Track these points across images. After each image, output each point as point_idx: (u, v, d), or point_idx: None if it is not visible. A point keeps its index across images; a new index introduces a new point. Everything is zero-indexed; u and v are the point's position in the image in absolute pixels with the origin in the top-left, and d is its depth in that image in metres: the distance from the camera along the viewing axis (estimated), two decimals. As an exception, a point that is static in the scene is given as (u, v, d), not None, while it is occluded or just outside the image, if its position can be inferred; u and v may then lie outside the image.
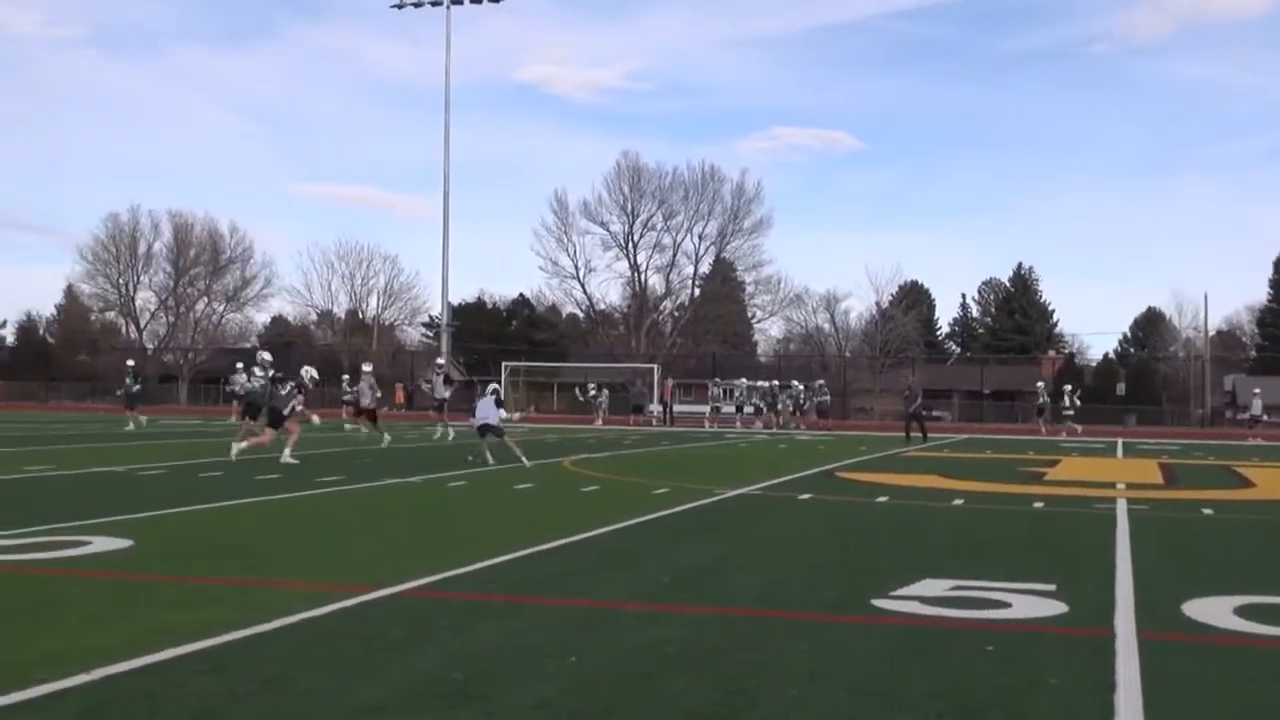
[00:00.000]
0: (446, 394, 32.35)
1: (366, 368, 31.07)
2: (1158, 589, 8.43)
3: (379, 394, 29.02)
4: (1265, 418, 45.82)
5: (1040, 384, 48.75)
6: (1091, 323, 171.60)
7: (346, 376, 54.41)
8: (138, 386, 37.17)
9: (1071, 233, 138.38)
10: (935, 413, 71.25)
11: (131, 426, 33.49)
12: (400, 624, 6.73)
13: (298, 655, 5.93)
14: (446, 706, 5.10)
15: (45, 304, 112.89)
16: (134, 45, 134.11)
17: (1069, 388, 48.06)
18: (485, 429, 20.68)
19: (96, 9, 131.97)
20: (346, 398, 51.11)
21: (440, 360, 24.97)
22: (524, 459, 20.33)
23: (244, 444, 20.20)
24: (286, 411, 20.41)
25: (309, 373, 21.95)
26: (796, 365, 75.72)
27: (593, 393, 52.01)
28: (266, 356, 21.94)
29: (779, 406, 47.14)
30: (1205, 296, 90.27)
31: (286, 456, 19.52)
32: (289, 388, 20.82)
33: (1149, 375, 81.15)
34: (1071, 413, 46.06)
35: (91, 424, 35.65)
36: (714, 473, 19.91)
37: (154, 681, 5.39)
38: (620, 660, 5.97)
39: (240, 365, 38.35)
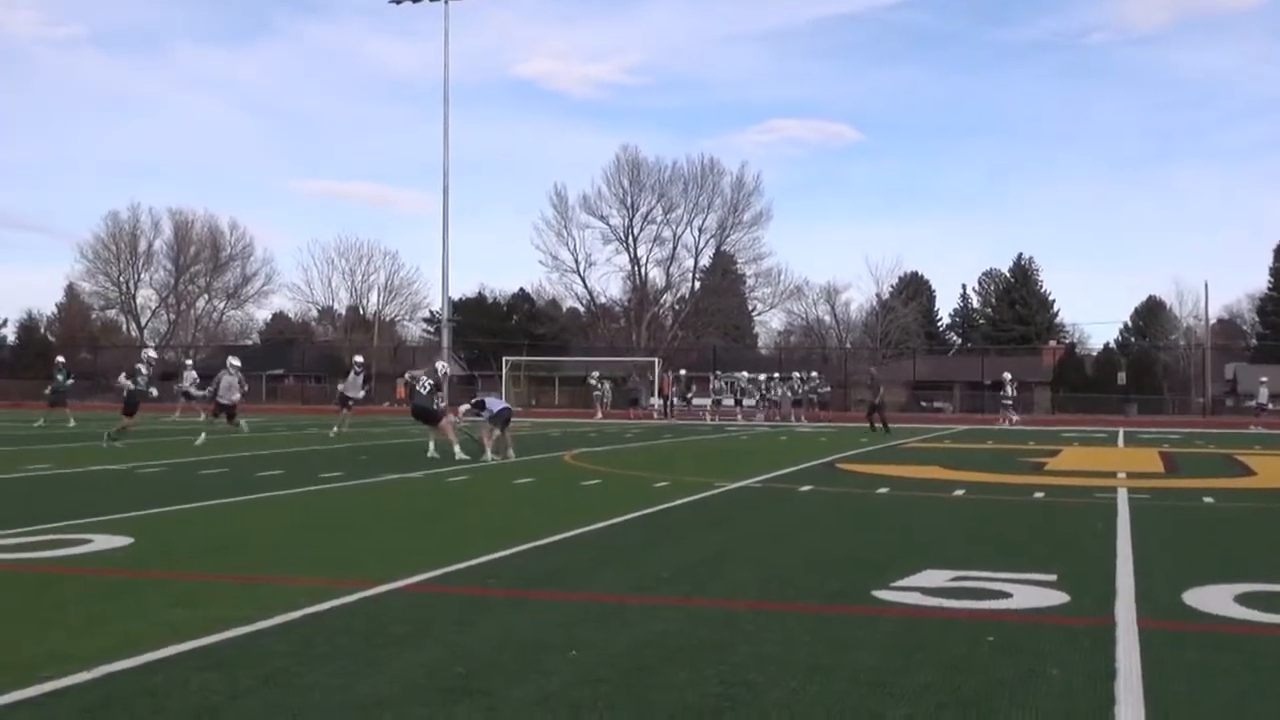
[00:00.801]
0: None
1: (358, 358, 31.44)
2: (1158, 578, 8.44)
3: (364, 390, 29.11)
4: (1270, 406, 45.84)
5: (1007, 376, 48.77)
6: (1092, 312, 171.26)
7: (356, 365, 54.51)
8: (71, 382, 36.78)
9: (1071, 222, 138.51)
10: (936, 404, 71.40)
11: (73, 423, 33.11)
12: (402, 619, 6.74)
13: (299, 651, 5.94)
14: (448, 701, 5.11)
15: (46, 303, 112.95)
16: (133, 43, 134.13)
17: (1008, 376, 48.15)
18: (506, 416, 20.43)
19: (95, 8, 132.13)
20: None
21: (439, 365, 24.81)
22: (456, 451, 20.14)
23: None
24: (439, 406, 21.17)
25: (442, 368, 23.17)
26: (797, 357, 75.63)
27: (594, 386, 52.03)
28: (153, 354, 23.20)
29: (775, 396, 47.16)
30: (1205, 285, 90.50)
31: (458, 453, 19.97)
32: (428, 386, 21.30)
33: (1150, 364, 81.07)
34: (1009, 402, 46.38)
35: (93, 422, 35.55)
36: (715, 466, 19.92)
37: (156, 679, 5.39)
38: (621, 654, 5.98)
39: (189, 362, 38.36)
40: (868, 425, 35.44)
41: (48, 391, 35.87)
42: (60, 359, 37.90)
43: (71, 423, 33.55)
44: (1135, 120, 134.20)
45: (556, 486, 15.72)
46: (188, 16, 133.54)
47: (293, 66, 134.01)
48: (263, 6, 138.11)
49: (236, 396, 26.81)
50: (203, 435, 24.09)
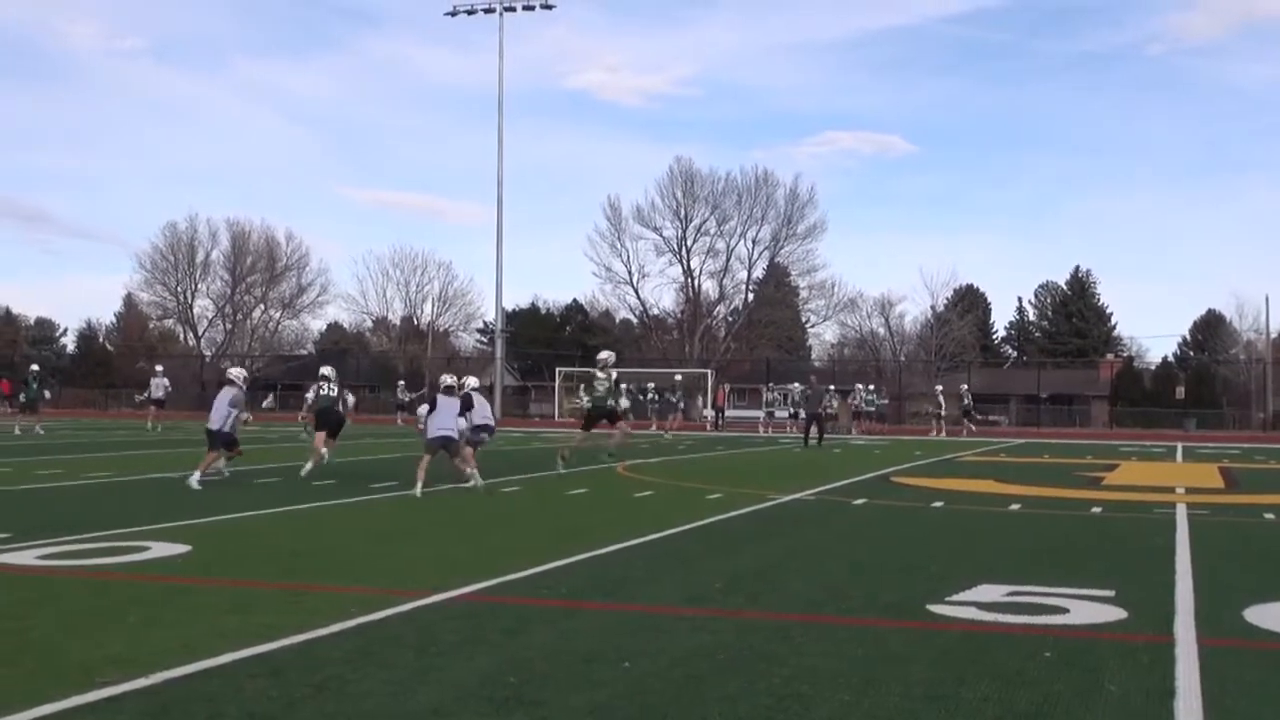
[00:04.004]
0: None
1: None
2: (1219, 594, 8.34)
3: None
4: None
5: (964, 386, 48.68)
6: (1150, 326, 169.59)
7: (401, 383, 54.85)
8: (48, 393, 36.87)
9: (1129, 235, 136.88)
10: (992, 417, 70.79)
11: (39, 430, 33.09)
12: (454, 628, 6.76)
13: (353, 659, 5.97)
14: (500, 711, 5.11)
15: (105, 312, 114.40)
16: (192, 56, 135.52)
17: (964, 387, 48.72)
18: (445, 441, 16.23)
19: (155, 21, 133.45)
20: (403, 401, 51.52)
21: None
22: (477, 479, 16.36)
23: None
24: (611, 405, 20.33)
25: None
26: (851, 370, 75.39)
27: (651, 397, 51.99)
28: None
29: (824, 410, 47.07)
30: (1266, 299, 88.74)
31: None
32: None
33: (1209, 378, 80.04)
34: (944, 414, 46.93)
35: (148, 431, 35.93)
36: (768, 478, 19.85)
37: (212, 685, 5.43)
38: (673, 665, 5.96)
39: (159, 369, 38.80)
40: (802, 439, 34.93)
41: (21, 398, 35.67)
42: (35, 367, 37.53)
43: (39, 430, 33.43)
44: (1193, 131, 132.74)
45: (609, 498, 15.72)
46: (245, 29, 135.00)
47: (348, 78, 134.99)
48: (319, 19, 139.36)
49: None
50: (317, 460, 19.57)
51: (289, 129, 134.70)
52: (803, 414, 37.72)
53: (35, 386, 35.01)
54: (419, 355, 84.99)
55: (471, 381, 17.80)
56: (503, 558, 9.59)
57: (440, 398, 16.58)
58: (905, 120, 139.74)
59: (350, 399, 21.54)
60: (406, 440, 31.84)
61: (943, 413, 47.01)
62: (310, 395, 20.69)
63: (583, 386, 20.65)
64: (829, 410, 41.73)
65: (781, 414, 48.92)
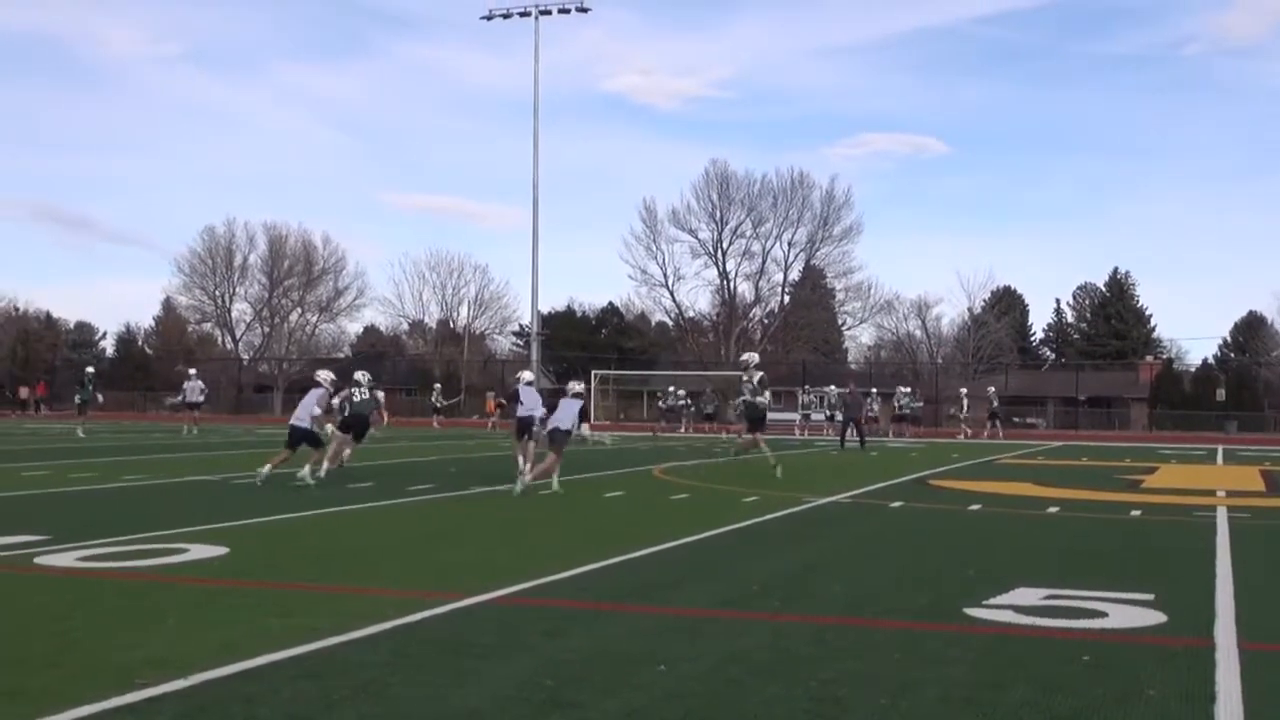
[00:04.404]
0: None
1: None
2: (1260, 599, 8.27)
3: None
4: None
5: (991, 389, 48.48)
6: (1190, 327, 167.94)
7: (438, 385, 55.04)
8: (100, 396, 37.14)
9: (1168, 236, 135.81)
10: (1029, 420, 70.45)
11: (81, 433, 33.12)
12: (492, 631, 6.77)
13: (391, 661, 5.99)
14: (538, 713, 5.12)
15: (144, 316, 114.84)
16: (230, 61, 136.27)
17: (992, 390, 48.75)
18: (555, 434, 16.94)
19: (195, 27, 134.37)
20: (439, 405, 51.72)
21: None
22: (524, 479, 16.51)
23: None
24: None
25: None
26: (888, 372, 75.15)
27: (684, 401, 52.00)
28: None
29: (866, 413, 46.94)
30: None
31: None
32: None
33: (1250, 380, 79.40)
34: (965, 416, 47.52)
35: (186, 434, 36.18)
36: (804, 481, 19.80)
37: (250, 687, 5.46)
38: (710, 669, 5.96)
39: (192, 371, 38.75)
40: (839, 441, 35.31)
41: (76, 400, 36.20)
42: (90, 369, 38.24)
43: (80, 432, 33.64)
44: (1232, 132, 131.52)
45: (646, 500, 15.72)
46: (283, 34, 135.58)
47: (385, 82, 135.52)
48: (356, 24, 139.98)
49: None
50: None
51: (325, 133, 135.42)
52: (839, 417, 37.75)
53: (90, 389, 35.42)
54: (455, 358, 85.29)
55: (526, 376, 18.27)
56: (539, 560, 9.60)
57: (562, 401, 17.46)
58: (941, 121, 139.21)
59: (380, 395, 22.04)
60: (442, 443, 31.97)
61: (964, 415, 47.00)
62: (338, 400, 20.63)
63: (749, 388, 20.72)
64: (871, 413, 41.72)
65: (818, 416, 48.74)
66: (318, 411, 17.48)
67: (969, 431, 45.34)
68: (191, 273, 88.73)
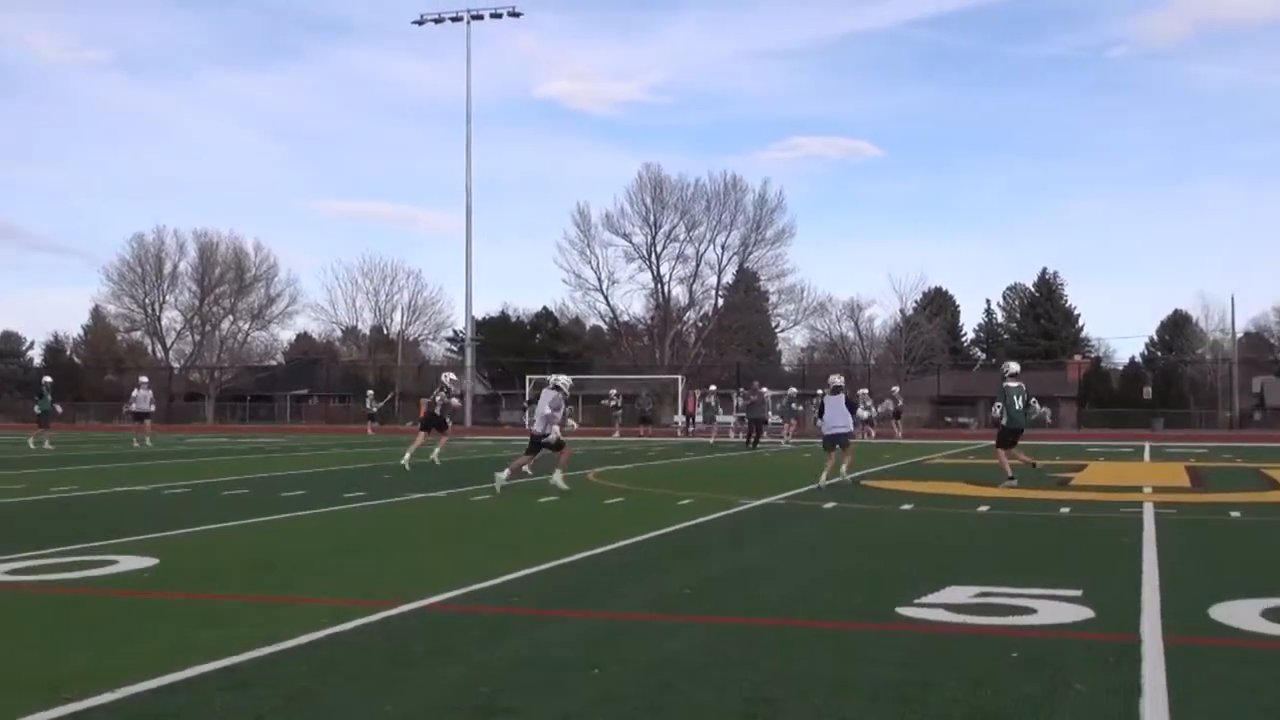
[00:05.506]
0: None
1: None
2: (1185, 593, 8.39)
3: None
4: None
5: (896, 389, 49.54)
6: (1117, 327, 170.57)
7: (371, 392, 54.68)
8: (59, 407, 36.55)
9: (1096, 237, 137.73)
10: (961, 419, 71.09)
11: (48, 444, 32.63)
12: (425, 638, 6.75)
13: (323, 671, 5.95)
14: (470, 720, 5.12)
15: (72, 325, 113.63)
16: (158, 67, 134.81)
17: (896, 390, 50.15)
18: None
19: (123, 33, 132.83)
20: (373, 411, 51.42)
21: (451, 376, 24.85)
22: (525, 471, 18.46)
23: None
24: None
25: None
26: (821, 374, 75.50)
27: (615, 404, 52.08)
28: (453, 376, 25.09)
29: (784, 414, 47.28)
30: (1232, 298, 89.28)
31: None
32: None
33: (1176, 378, 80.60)
34: (875, 415, 47.59)
35: (116, 444, 35.79)
36: (738, 483, 19.87)
37: (179, 699, 5.41)
38: (644, 672, 5.97)
39: (144, 380, 38.10)
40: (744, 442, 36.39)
41: (36, 411, 35.48)
42: (47, 379, 36.81)
43: (47, 444, 32.91)
44: (1158, 134, 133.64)
45: (580, 505, 15.70)
46: (213, 40, 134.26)
47: (317, 88, 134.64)
48: (286, 30, 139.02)
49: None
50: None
51: (257, 139, 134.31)
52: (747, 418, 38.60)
53: (49, 399, 34.61)
54: (389, 364, 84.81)
55: (562, 380, 18.43)
56: (472, 567, 9.57)
57: (829, 398, 18.94)
58: (872, 125, 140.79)
59: (455, 402, 25.14)
60: (375, 450, 31.78)
61: (875, 415, 47.66)
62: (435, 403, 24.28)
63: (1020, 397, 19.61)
64: (867, 414, 42.42)
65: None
66: (548, 411, 17.64)
67: (874, 432, 45.97)
68: (121, 281, 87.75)
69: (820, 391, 21.33)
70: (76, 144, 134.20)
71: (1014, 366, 20.60)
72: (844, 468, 18.84)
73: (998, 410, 19.92)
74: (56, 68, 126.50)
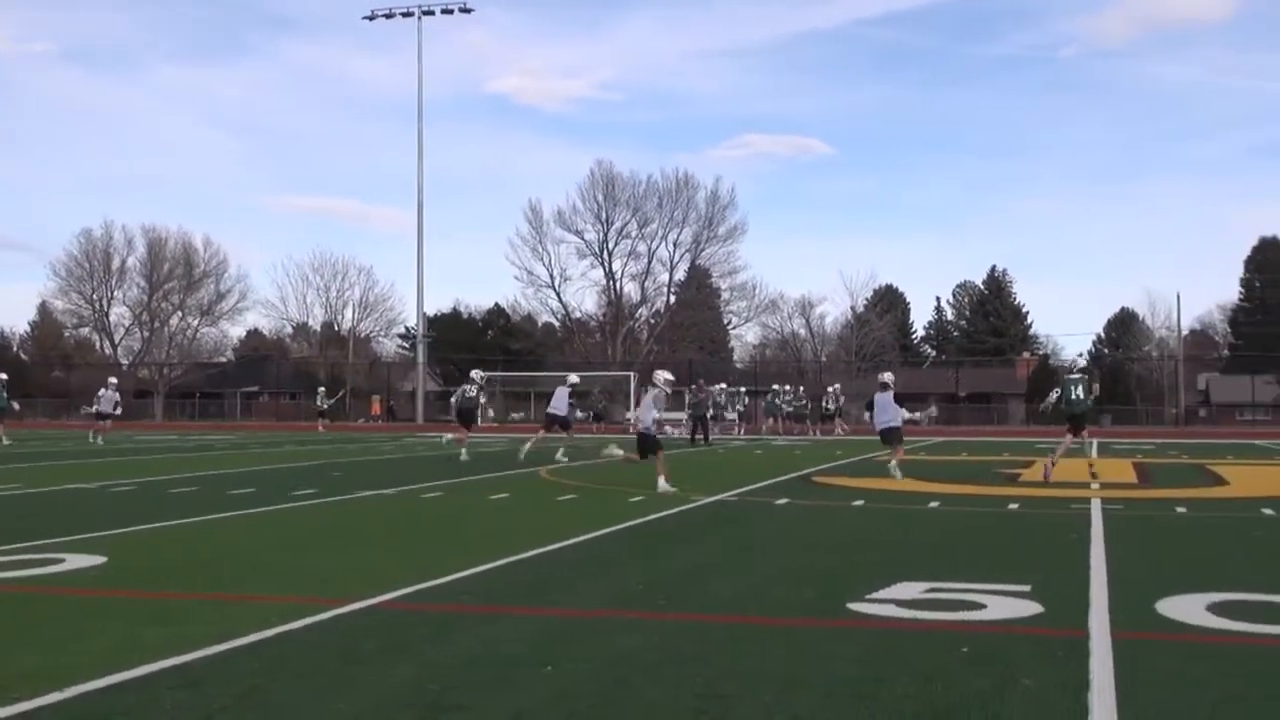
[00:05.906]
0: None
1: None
2: (1132, 588, 8.48)
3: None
4: None
5: (836, 386, 50.17)
6: (1065, 324, 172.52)
7: (322, 389, 54.40)
8: (15, 404, 36.12)
9: (1044, 235, 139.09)
10: (912, 416, 71.47)
11: (4, 440, 32.46)
12: (376, 636, 6.72)
13: (273, 669, 5.92)
14: (423, 718, 5.10)
15: (18, 321, 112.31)
16: (107, 60, 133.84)
17: (835, 388, 50.56)
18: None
19: (68, 25, 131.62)
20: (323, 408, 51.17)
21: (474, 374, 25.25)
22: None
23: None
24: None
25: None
26: (773, 371, 75.80)
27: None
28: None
29: (730, 413, 47.41)
30: (1178, 296, 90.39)
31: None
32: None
33: (1123, 375, 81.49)
34: (807, 411, 49.55)
35: (65, 441, 35.41)
36: (691, 480, 19.89)
37: (129, 698, 5.37)
38: (596, 669, 5.97)
39: (113, 381, 37.66)
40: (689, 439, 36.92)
41: None
42: (3, 376, 35.83)
43: (4, 440, 32.74)
44: (1107, 133, 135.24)
45: (531, 502, 15.68)
46: (163, 34, 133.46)
47: (267, 83, 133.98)
48: (237, 24, 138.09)
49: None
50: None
51: (206, 134, 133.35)
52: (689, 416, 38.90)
53: (5, 395, 34.18)
54: (340, 361, 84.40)
55: (663, 376, 18.61)
56: (423, 564, 9.54)
57: (878, 395, 20.29)
58: (823, 123, 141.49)
59: (483, 398, 26.48)
60: (326, 447, 31.61)
61: (806, 410, 48.13)
62: (454, 398, 25.26)
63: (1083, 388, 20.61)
64: (723, 412, 42.96)
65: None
66: (655, 414, 17.91)
67: (817, 430, 46.40)
68: (68, 276, 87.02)
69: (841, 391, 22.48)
70: (22, 137, 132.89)
71: (1081, 362, 21.81)
72: (892, 463, 20.20)
73: (1054, 397, 21.25)
74: (2, 59, 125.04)
